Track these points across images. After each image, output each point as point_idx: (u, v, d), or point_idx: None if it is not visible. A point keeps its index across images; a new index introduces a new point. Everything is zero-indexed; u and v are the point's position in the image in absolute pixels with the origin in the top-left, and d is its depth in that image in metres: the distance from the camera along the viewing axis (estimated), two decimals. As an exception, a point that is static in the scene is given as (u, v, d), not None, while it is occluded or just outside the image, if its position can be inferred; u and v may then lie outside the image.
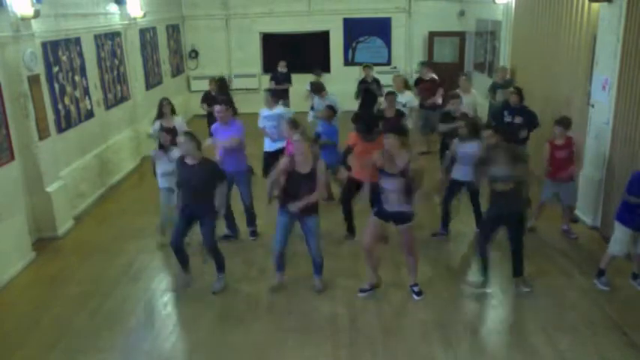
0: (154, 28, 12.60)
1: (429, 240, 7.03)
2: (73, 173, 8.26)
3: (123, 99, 10.57)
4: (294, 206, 5.54)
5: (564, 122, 6.81)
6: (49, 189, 7.31)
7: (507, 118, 8.07)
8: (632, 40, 6.37)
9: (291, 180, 5.61)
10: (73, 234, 7.63)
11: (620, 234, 5.70)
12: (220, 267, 6.08)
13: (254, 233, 7.37)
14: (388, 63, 15.19)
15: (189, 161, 5.77)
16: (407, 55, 15.15)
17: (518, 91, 8.20)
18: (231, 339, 5.22)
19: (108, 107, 9.89)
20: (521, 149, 5.78)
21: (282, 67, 12.49)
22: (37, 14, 6.85)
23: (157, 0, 12.82)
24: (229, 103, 7.94)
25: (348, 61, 15.36)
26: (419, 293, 5.81)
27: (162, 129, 7.21)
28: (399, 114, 8.29)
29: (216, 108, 7.04)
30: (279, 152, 7.48)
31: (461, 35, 14.69)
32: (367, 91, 10.86)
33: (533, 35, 9.67)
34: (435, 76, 10.93)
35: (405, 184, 5.39)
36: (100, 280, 6.36)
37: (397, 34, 15.23)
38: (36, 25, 7.20)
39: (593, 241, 7.06)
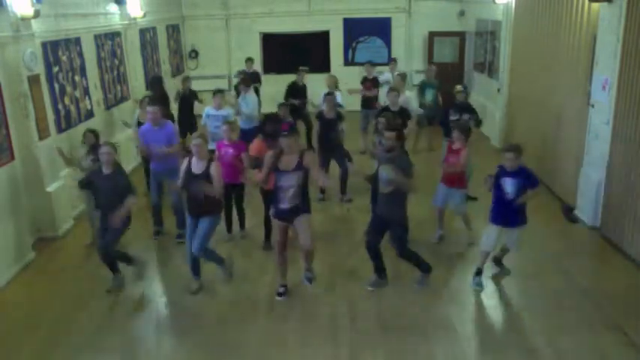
0: (154, 28, 12.60)
1: (430, 240, 7.03)
2: (74, 173, 8.24)
3: (123, 99, 10.58)
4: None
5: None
6: (49, 189, 7.31)
7: (454, 116, 8.20)
8: (632, 40, 6.37)
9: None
10: (73, 234, 7.63)
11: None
12: (115, 268, 6.14)
13: (182, 236, 7.14)
14: (388, 63, 15.16)
15: (105, 170, 5.86)
16: (407, 55, 15.15)
17: (465, 89, 8.76)
18: (231, 339, 5.23)
19: (108, 107, 9.90)
20: (408, 160, 5.80)
21: (249, 67, 12.50)
22: (37, 14, 6.85)
23: (157, 0, 12.82)
24: (163, 103, 8.32)
25: (348, 61, 15.36)
26: (310, 280, 5.87)
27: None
28: (338, 115, 8.26)
29: (148, 109, 7.13)
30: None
31: (461, 35, 14.68)
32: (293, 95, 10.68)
33: (533, 35, 9.67)
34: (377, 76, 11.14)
35: (303, 178, 5.48)
36: (100, 280, 6.35)
37: (397, 34, 15.22)
38: (36, 25, 7.20)
39: (593, 241, 7.07)
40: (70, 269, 6.67)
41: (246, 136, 8.53)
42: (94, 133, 7.02)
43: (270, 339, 5.22)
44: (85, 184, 6.16)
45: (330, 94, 8.56)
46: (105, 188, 5.82)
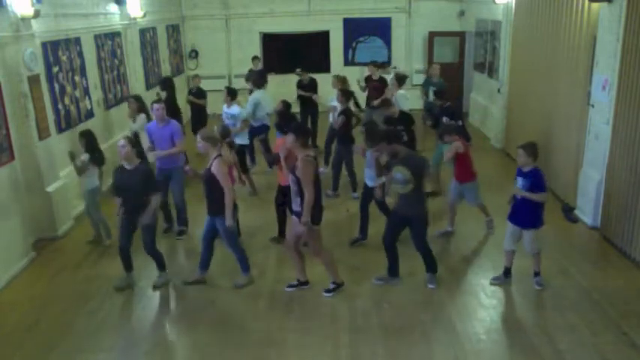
0: (154, 28, 12.60)
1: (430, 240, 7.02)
2: (73, 173, 8.24)
3: (123, 99, 10.56)
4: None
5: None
6: (49, 189, 7.31)
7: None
8: (632, 40, 6.37)
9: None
10: (73, 234, 7.63)
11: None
12: (160, 266, 6.19)
13: (182, 233, 7.42)
14: (388, 63, 15.18)
15: (126, 166, 5.87)
16: (407, 55, 15.15)
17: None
18: (231, 339, 5.23)
19: (108, 107, 9.89)
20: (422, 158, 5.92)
21: (255, 65, 12.54)
22: (37, 14, 6.86)
23: (157, 0, 12.82)
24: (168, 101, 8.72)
25: (348, 61, 15.36)
26: (329, 290, 5.90)
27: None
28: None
29: (155, 105, 7.26)
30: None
31: (461, 35, 14.69)
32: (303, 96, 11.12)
33: (533, 35, 9.67)
34: (384, 76, 11.12)
35: (297, 183, 5.42)
36: (100, 280, 6.36)
37: (397, 34, 15.23)
38: (36, 25, 7.20)
39: (593, 241, 7.06)
40: (70, 269, 6.68)
41: (253, 132, 9.30)
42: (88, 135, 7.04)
43: (270, 339, 5.22)
44: (115, 187, 6.00)
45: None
46: (130, 184, 5.79)
